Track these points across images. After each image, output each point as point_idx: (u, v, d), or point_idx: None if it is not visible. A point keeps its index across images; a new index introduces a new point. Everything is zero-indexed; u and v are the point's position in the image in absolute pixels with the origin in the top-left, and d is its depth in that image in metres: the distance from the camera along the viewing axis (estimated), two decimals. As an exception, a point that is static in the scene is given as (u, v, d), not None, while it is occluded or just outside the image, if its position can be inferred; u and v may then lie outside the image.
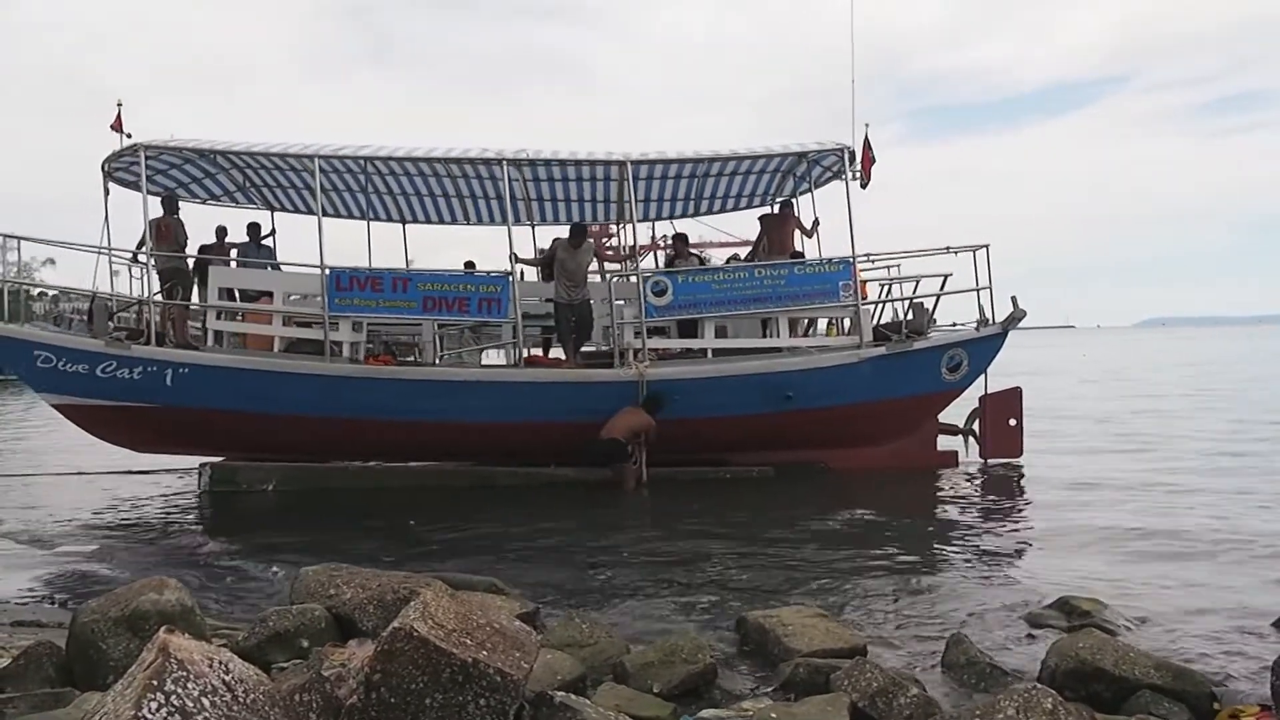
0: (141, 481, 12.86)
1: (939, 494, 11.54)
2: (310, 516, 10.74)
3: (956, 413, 13.35)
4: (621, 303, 12.64)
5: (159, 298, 12.33)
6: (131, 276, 13.38)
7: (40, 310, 32.54)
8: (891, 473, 12.25)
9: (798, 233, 13.84)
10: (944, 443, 13.26)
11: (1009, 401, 13.13)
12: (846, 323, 13.01)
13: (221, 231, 13.74)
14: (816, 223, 13.76)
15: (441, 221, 16.48)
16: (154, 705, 2.83)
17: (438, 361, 12.78)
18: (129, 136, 12.21)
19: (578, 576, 7.63)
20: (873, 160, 12.71)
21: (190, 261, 12.99)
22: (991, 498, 11.46)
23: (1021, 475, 12.47)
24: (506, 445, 11.93)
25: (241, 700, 3.06)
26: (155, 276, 12.52)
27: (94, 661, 4.47)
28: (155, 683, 2.88)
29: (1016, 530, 9.33)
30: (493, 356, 14.94)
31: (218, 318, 12.67)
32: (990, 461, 12.96)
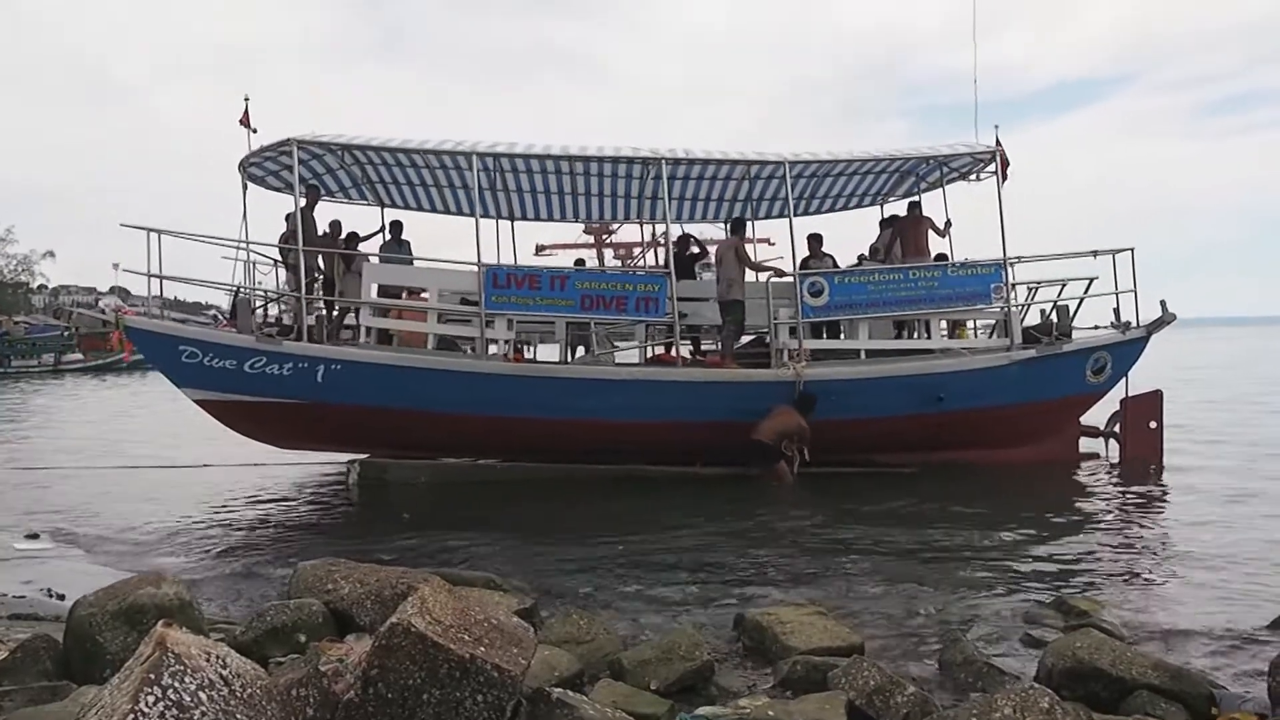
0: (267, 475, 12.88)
1: (964, 492, 11.37)
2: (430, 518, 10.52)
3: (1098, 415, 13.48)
4: (781, 302, 12.58)
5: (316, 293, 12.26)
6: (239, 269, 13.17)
7: (39, 303, 32.69)
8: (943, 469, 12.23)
9: (931, 233, 13.88)
10: (1085, 444, 13.41)
11: (1150, 404, 13.13)
12: (967, 324, 13.22)
13: (336, 226, 13.52)
14: (949, 223, 13.88)
15: (565, 219, 16.74)
16: (151, 699, 2.83)
17: (570, 360, 12.85)
18: (255, 131, 12.26)
19: (578, 573, 7.62)
20: (1008, 162, 12.90)
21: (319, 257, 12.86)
22: (1017, 497, 11.34)
23: (1080, 472, 12.51)
24: (659, 444, 11.84)
25: (239, 695, 3.06)
26: (289, 270, 12.46)
27: (91, 655, 4.46)
28: (152, 676, 2.88)
29: (1027, 530, 9.27)
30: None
31: (372, 314, 12.51)
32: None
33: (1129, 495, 11.30)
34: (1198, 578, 7.33)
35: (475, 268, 11.97)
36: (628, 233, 36.13)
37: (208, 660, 3.06)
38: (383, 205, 15.13)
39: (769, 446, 11.45)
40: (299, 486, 12.14)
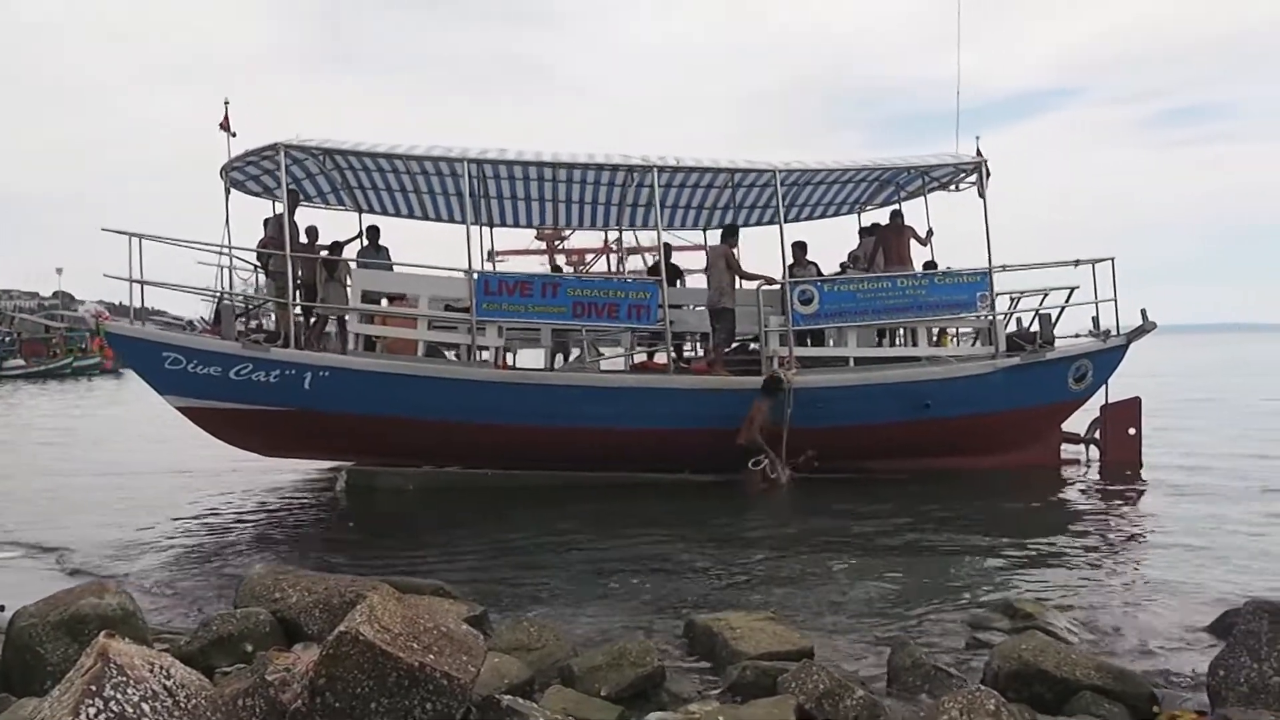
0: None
1: (938, 496, 11.46)
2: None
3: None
4: (768, 310, 12.62)
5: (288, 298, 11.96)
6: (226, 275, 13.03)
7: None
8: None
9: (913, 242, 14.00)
10: (1066, 450, 13.61)
11: (1129, 411, 13.43)
12: (949, 332, 13.36)
13: (313, 232, 13.28)
14: (930, 232, 14.06)
15: (544, 226, 16.94)
16: (92, 711, 2.79)
17: (555, 367, 12.84)
18: (234, 136, 12.10)
19: (529, 579, 7.61)
20: (989, 172, 13.07)
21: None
22: (991, 502, 11.38)
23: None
24: (652, 451, 11.82)
25: (183, 705, 3.03)
26: (267, 276, 12.37)
27: (31, 666, 4.39)
28: (94, 688, 2.84)
29: (991, 534, 9.37)
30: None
31: (360, 321, 12.37)
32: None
33: (1102, 500, 11.48)
34: (1151, 579, 7.46)
35: (463, 274, 11.93)
36: (579, 239, 36.20)
37: (151, 671, 3.03)
38: (360, 211, 15.03)
39: (752, 450, 11.57)
40: (256, 495, 11.98)
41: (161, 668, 3.08)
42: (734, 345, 13.27)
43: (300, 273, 12.51)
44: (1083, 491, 12.06)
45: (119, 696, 2.86)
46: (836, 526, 9.68)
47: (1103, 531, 9.53)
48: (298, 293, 12.39)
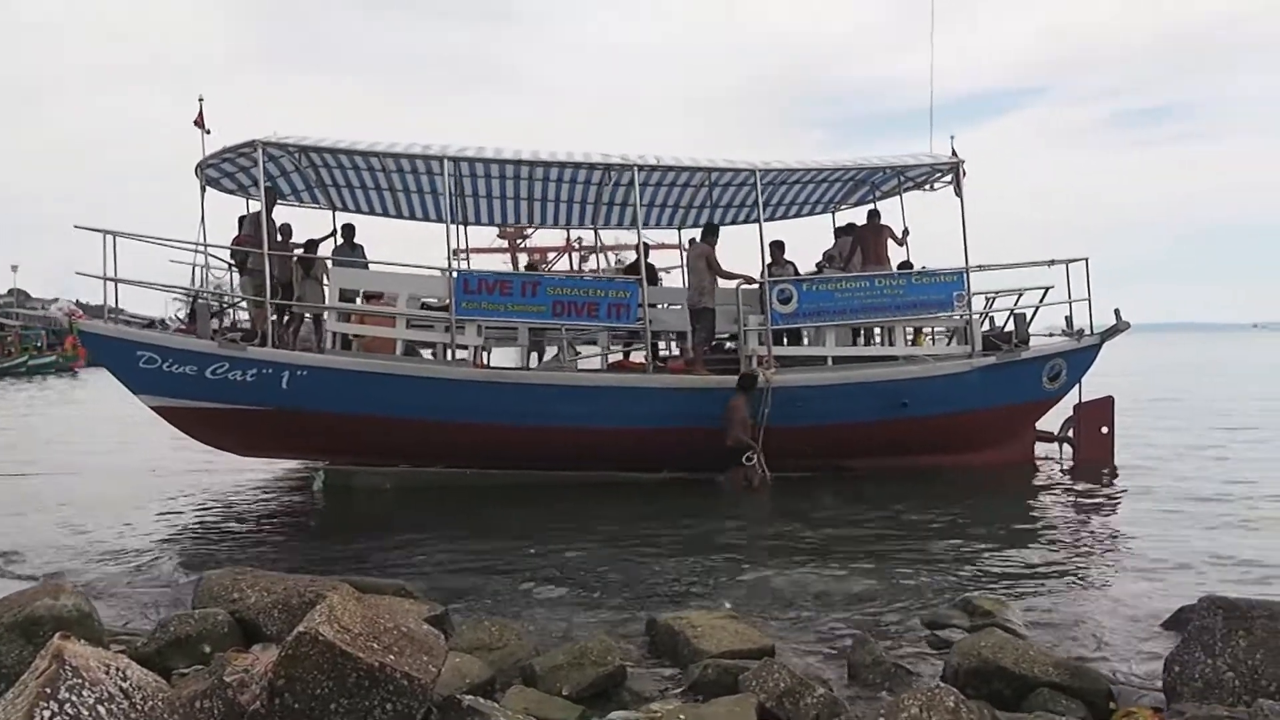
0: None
1: (908, 494, 11.46)
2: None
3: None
4: (746, 309, 12.62)
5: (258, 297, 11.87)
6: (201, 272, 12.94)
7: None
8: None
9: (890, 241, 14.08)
10: (1040, 449, 13.77)
11: (1101, 410, 13.55)
12: (924, 331, 13.47)
13: (287, 230, 13.13)
14: (906, 232, 14.20)
15: (518, 224, 16.96)
16: (47, 714, 2.77)
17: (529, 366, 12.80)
18: (209, 133, 12.00)
19: (492, 579, 7.58)
20: (964, 173, 13.18)
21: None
22: (960, 500, 11.43)
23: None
24: (633, 450, 11.81)
25: (139, 708, 3.00)
26: (241, 274, 12.23)
27: (-16, 669, 4.33)
28: (49, 690, 2.81)
29: (956, 532, 9.43)
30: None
31: (338, 320, 12.25)
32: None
33: (1069, 498, 11.57)
34: (1111, 577, 7.58)
35: (442, 273, 11.91)
36: (541, 237, 36.20)
37: (107, 673, 3.00)
38: (334, 209, 14.92)
39: (733, 449, 11.62)
40: (216, 495, 11.84)
41: (118, 669, 3.06)
42: (711, 344, 13.35)
43: (276, 271, 12.40)
44: (1051, 490, 12.16)
45: (74, 699, 2.83)
46: (803, 526, 9.71)
47: (1067, 530, 9.63)
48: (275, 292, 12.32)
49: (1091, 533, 9.59)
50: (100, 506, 10.90)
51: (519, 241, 39.62)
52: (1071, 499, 11.52)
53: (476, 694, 4.15)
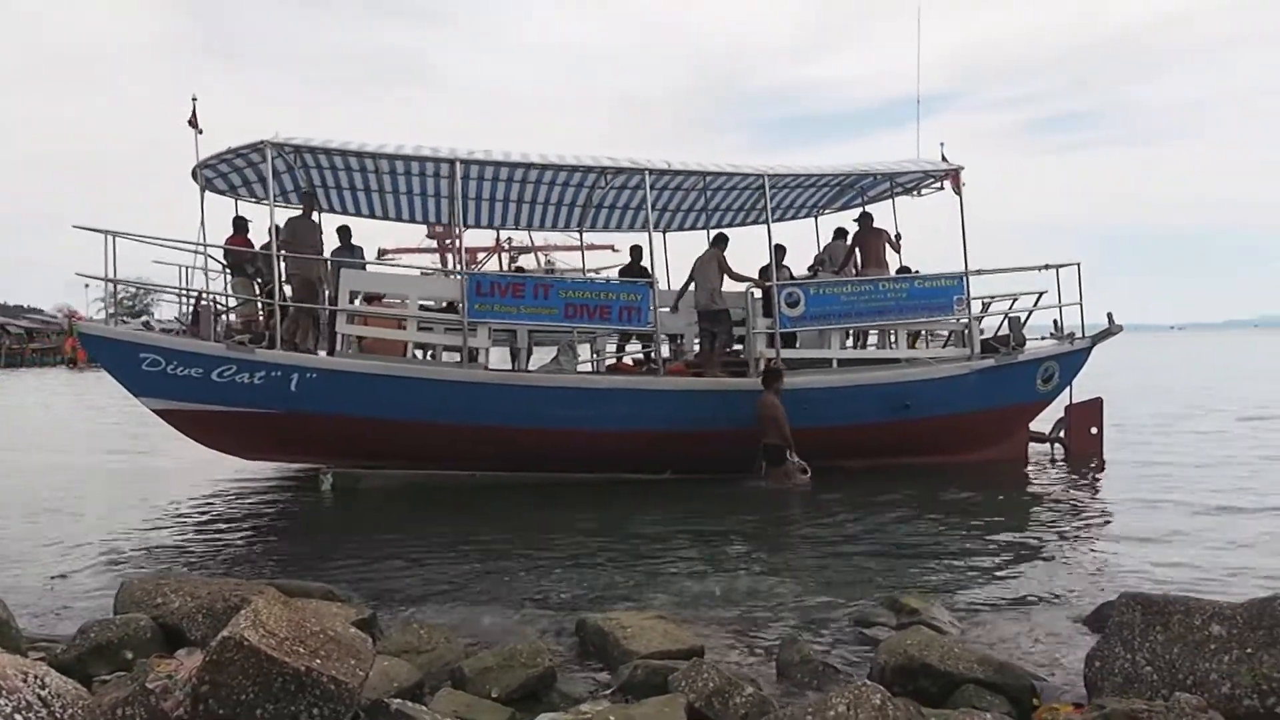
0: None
1: (861, 490, 11.51)
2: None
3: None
4: (753, 312, 12.74)
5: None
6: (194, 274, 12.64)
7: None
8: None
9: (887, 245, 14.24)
10: (1032, 449, 14.04)
11: (1091, 411, 13.99)
12: (900, 333, 13.57)
13: (277, 233, 12.77)
14: (899, 236, 14.41)
15: (506, 227, 16.46)
16: (-40, 723, 2.71)
17: (528, 368, 12.81)
18: (201, 133, 11.82)
19: (421, 581, 7.52)
20: (963, 183, 13.45)
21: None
22: (930, 497, 11.41)
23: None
24: (643, 452, 11.80)
25: (58, 716, 2.96)
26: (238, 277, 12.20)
27: (-104, 678, 4.21)
28: (-38, 700, 2.76)
29: (896, 530, 9.53)
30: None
31: (348, 322, 12.04)
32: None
33: (1047, 496, 11.61)
34: (1044, 575, 7.63)
35: (454, 276, 11.95)
36: (470, 237, 36.00)
37: (24, 681, 2.95)
38: (321, 211, 14.63)
39: (776, 448, 11.67)
40: (155, 498, 11.56)
41: (36, 677, 3.01)
42: (729, 347, 13.44)
43: (306, 274, 12.37)
44: (1025, 488, 12.25)
45: (-11, 708, 2.78)
46: (753, 523, 9.79)
47: (1020, 529, 9.64)
48: (286, 294, 12.18)
49: (1043, 531, 9.53)
50: (21, 506, 10.64)
51: (449, 241, 39.37)
52: (1039, 499, 11.56)
53: (405, 697, 4.13)
